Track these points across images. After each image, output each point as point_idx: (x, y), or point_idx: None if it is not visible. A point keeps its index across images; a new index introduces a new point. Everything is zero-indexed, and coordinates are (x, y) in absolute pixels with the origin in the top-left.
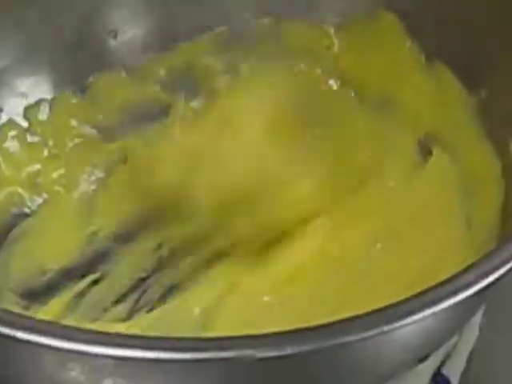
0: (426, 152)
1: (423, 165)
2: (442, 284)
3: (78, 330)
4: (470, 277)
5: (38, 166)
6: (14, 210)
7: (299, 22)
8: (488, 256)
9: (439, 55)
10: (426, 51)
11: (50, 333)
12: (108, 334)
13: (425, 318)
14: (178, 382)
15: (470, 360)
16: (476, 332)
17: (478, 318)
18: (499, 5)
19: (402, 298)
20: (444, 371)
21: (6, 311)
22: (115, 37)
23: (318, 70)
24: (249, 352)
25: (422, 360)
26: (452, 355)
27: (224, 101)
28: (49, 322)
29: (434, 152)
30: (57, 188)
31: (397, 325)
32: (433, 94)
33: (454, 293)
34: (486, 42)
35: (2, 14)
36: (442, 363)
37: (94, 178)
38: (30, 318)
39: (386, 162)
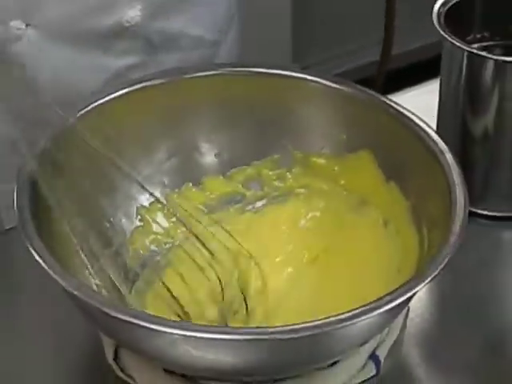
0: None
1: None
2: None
3: None
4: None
5: (170, 225)
6: (153, 248)
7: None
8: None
9: (393, 178)
10: (386, 175)
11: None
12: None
13: (368, 318)
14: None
15: (396, 343)
16: (399, 326)
17: (400, 319)
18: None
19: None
20: (377, 352)
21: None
22: (218, 156)
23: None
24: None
25: (362, 344)
26: (384, 341)
27: None
28: None
29: (388, 227)
30: (180, 237)
31: (352, 322)
32: (387, 198)
33: (387, 303)
34: (414, 171)
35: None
36: (377, 347)
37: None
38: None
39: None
